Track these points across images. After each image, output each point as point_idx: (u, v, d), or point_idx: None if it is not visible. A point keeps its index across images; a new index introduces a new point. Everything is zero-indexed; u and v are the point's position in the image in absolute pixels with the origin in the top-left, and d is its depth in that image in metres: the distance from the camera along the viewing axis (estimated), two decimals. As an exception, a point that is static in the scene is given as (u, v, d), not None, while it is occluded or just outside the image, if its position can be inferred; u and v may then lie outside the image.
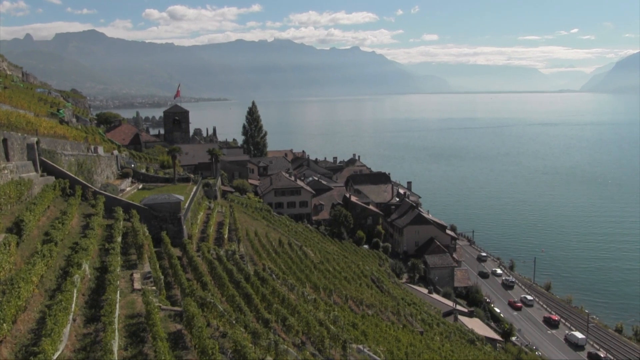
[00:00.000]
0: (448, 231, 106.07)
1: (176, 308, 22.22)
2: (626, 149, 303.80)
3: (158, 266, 27.31)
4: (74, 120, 70.59)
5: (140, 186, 52.42)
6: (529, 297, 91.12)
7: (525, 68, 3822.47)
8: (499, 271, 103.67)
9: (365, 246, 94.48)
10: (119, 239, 28.80)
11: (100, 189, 39.23)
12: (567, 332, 78.47)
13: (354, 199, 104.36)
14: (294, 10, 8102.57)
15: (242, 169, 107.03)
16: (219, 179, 78.61)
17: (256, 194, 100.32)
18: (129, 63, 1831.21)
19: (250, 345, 18.35)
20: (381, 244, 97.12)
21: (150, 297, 19.63)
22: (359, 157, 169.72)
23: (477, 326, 64.84)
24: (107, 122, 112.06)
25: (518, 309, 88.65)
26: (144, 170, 60.52)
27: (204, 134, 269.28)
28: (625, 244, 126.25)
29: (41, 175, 31.65)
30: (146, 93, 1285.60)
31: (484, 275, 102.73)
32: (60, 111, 59.84)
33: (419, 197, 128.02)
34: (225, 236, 45.01)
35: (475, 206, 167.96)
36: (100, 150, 52.40)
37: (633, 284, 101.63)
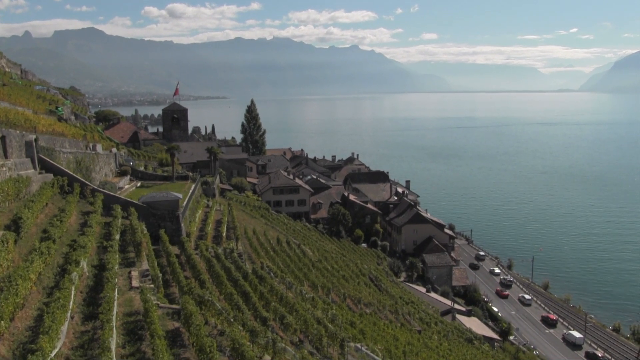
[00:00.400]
0: (446, 230, 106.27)
1: (174, 306, 22.22)
2: (625, 148, 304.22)
3: (156, 264, 27.31)
4: (73, 117, 70.47)
5: (139, 184, 52.39)
6: (527, 297, 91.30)
7: (524, 67, 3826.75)
8: (497, 270, 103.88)
9: (364, 245, 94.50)
10: (117, 237, 28.79)
11: (99, 186, 39.20)
12: (565, 331, 78.59)
13: (352, 197, 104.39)
14: (293, 9, 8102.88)
15: (240, 167, 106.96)
16: (218, 177, 78.56)
17: (254, 192, 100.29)
18: (128, 61, 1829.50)
19: (248, 343, 18.38)
20: (379, 242, 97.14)
21: (148, 295, 19.64)
22: (357, 155, 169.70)
23: (475, 325, 64.92)
24: (106, 119, 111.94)
25: (505, 297, 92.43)
26: (142, 168, 60.47)
27: (203, 132, 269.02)
28: (623, 244, 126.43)
29: (39, 173, 31.62)
30: (145, 91, 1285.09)
31: (474, 267, 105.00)
32: (59, 108, 59.74)
33: (418, 196, 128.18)
34: (224, 234, 45.02)
35: (474, 205, 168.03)
36: (99, 147, 52.32)
37: (631, 284, 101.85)
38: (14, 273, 16.70)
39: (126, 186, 48.96)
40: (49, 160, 33.98)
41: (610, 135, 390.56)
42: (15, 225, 21.49)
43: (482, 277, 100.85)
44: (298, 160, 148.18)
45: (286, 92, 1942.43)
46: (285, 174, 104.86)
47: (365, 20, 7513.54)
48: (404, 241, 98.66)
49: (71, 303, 17.92)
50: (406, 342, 35.46)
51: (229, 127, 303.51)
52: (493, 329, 70.95)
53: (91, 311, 19.41)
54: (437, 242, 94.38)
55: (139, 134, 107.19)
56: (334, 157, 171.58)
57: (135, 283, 23.75)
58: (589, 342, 75.50)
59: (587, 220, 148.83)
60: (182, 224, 37.90)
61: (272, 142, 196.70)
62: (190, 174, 62.31)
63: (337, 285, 46.85)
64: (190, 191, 48.52)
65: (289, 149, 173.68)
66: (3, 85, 53.73)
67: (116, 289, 20.33)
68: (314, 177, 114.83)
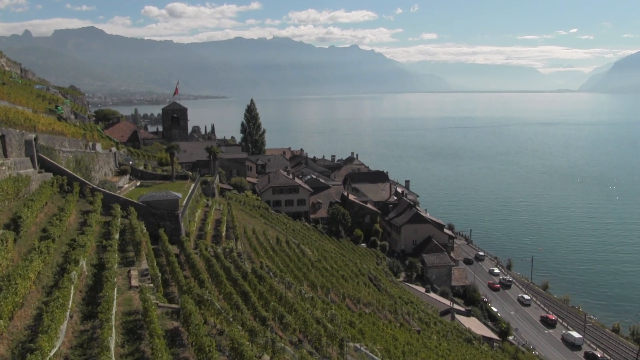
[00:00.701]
0: (446, 230, 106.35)
1: (173, 305, 22.22)
2: (624, 149, 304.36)
3: (155, 263, 27.31)
4: (72, 116, 70.41)
5: (138, 183, 52.40)
6: (526, 297, 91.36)
7: (523, 67, 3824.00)
8: (496, 270, 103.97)
9: (363, 245, 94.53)
10: (117, 236, 28.78)
11: (98, 185, 39.21)
12: (564, 331, 78.60)
13: (351, 197, 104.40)
14: (293, 8, 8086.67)
15: (240, 166, 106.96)
16: (217, 176, 78.55)
17: (254, 191, 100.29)
18: (128, 60, 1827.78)
19: (247, 343, 18.37)
20: (379, 242, 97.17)
21: (147, 295, 19.63)
22: (357, 155, 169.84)
23: (474, 325, 64.91)
24: (106, 119, 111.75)
25: (496, 289, 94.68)
26: (142, 168, 60.46)
27: (203, 132, 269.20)
28: (623, 245, 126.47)
29: (39, 172, 31.63)
30: (145, 90, 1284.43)
31: (468, 262, 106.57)
32: (59, 108, 59.69)
33: (417, 196, 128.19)
34: (223, 234, 45.03)
35: (473, 205, 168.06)
36: (99, 147, 52.33)
37: (630, 284, 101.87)
38: (13, 272, 16.69)
39: (126, 185, 48.97)
40: (48, 159, 33.98)
41: (610, 135, 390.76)
42: (14, 225, 21.49)
43: (479, 275, 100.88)
44: (298, 159, 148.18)
45: (286, 91, 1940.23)
46: (285, 173, 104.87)
47: (365, 20, 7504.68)
48: (403, 241, 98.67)
49: (70, 302, 17.91)
50: (405, 342, 35.48)
51: (229, 127, 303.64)
52: (492, 329, 70.97)
53: (90, 310, 19.41)
54: (436, 242, 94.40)
55: (138, 133, 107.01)
56: (333, 156, 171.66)
57: (134, 282, 23.75)
58: (588, 342, 75.52)
59: (587, 221, 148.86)
60: (182, 224, 37.89)
61: (272, 141, 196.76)
62: (190, 173, 62.32)
63: (337, 285, 46.86)
64: (190, 190, 48.52)
65: (289, 148, 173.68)
66: (3, 84, 53.67)
67: (115, 288, 20.33)
68: (314, 176, 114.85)
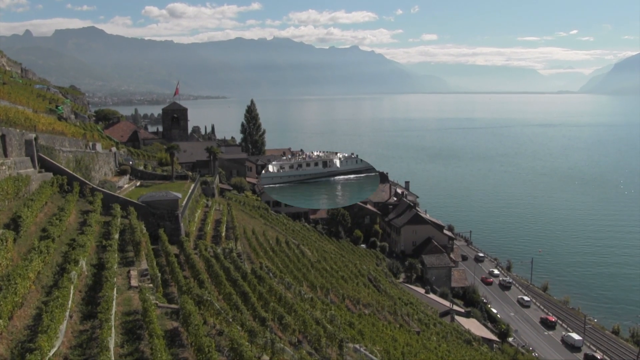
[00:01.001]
0: (445, 231, 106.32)
1: (173, 306, 22.21)
2: (624, 150, 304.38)
3: (155, 263, 27.30)
4: (73, 116, 70.41)
5: (138, 183, 52.40)
6: (526, 298, 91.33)
7: (524, 69, 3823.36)
8: (496, 272, 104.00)
9: (363, 245, 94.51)
10: (117, 236, 28.76)
11: (98, 185, 39.20)
12: (564, 333, 78.61)
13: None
14: (294, 9, 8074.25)
15: (240, 167, 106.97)
16: (217, 176, 78.54)
17: (254, 192, 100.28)
18: (128, 60, 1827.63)
19: (247, 343, 18.35)
20: (378, 243, 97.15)
21: (147, 295, 19.62)
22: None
23: (474, 326, 64.86)
24: (106, 118, 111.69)
25: (489, 284, 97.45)
26: (142, 168, 60.45)
27: (203, 132, 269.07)
28: (622, 246, 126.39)
29: (39, 172, 31.63)
30: (145, 90, 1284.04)
31: (464, 258, 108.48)
32: (59, 107, 59.69)
33: (417, 197, 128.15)
34: (223, 234, 45.02)
35: (473, 206, 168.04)
36: (99, 147, 52.34)
37: (630, 286, 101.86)
38: (13, 272, 16.68)
39: (125, 185, 48.97)
40: (48, 159, 33.97)
41: (610, 137, 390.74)
42: (14, 224, 21.49)
43: (478, 276, 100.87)
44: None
45: (286, 92, 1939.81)
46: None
47: (366, 20, 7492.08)
48: (403, 242, 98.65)
49: (70, 302, 17.90)
50: (405, 343, 35.46)
51: (229, 127, 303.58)
52: (492, 331, 70.92)
53: (90, 310, 19.39)
54: (436, 243, 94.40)
55: (138, 133, 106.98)
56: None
57: (134, 282, 23.74)
58: (588, 344, 75.51)
59: (586, 222, 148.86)
60: (182, 224, 37.88)
61: (272, 142, 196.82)
62: (190, 173, 62.33)
63: (336, 286, 46.81)
64: (190, 191, 48.53)
65: (289, 149, 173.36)
66: (3, 84, 53.66)
67: (115, 288, 20.31)
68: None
